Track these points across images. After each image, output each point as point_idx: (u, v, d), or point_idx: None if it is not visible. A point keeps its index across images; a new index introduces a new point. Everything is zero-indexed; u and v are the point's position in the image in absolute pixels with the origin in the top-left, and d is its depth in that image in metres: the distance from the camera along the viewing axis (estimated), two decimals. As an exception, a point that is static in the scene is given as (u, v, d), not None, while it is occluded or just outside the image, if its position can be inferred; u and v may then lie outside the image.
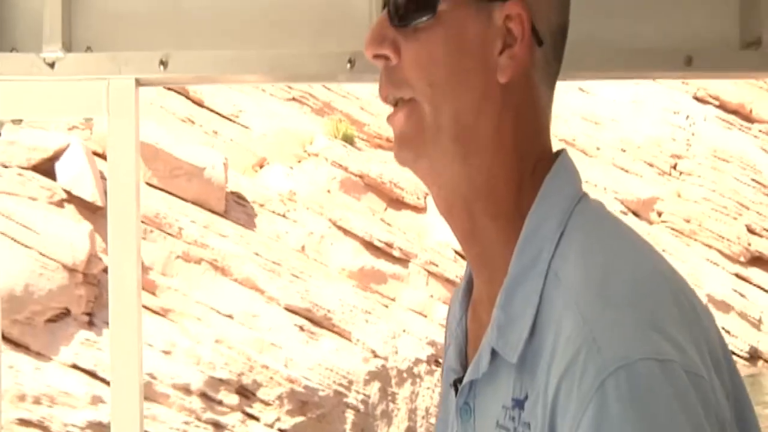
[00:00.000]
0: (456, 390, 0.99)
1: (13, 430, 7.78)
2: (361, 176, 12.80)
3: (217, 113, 13.23)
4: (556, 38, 0.98)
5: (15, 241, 8.71)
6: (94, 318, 9.02)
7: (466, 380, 0.97)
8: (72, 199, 9.72)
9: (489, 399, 0.94)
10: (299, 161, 13.15)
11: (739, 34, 1.62)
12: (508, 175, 0.95)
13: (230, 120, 13.31)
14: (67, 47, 1.50)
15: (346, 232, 11.70)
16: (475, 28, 0.94)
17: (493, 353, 0.92)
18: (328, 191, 12.42)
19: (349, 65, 1.51)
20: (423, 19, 0.94)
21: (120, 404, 1.47)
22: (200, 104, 13.18)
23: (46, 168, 10.04)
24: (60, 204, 9.65)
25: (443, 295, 11.40)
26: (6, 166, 9.66)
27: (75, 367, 8.33)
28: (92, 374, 8.49)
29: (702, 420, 0.78)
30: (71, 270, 8.80)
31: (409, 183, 12.56)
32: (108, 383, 8.05)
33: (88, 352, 8.65)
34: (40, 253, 8.68)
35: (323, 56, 1.53)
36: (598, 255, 0.88)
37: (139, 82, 1.52)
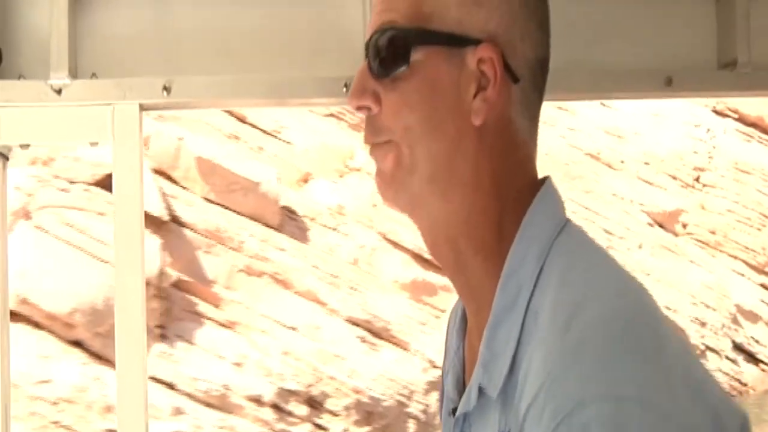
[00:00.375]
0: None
1: (101, 442, 7.87)
2: (403, 190, 12.97)
3: (260, 129, 13.39)
4: (535, 72, 1.00)
5: (92, 255, 8.82)
6: (166, 331, 9.13)
7: (458, 413, 0.99)
8: (137, 214, 9.84)
9: (482, 430, 0.96)
10: (341, 176, 13.32)
11: (716, 55, 1.69)
12: (488, 212, 0.97)
13: (273, 136, 13.47)
14: (73, 74, 1.54)
15: (395, 244, 11.86)
16: (448, 75, 0.96)
17: (480, 389, 0.95)
18: (374, 205, 12.57)
19: (344, 89, 1.55)
20: (399, 70, 0.97)
21: (126, 415, 1.52)
22: (243, 120, 13.33)
23: (108, 183, 10.16)
24: (126, 219, 9.76)
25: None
26: (73, 182, 9.78)
27: (154, 379, 8.43)
28: (170, 386, 8.60)
29: None
30: (146, 283, 8.91)
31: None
32: (188, 395, 8.14)
33: (164, 364, 8.75)
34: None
35: (320, 80, 1.58)
36: (570, 292, 0.89)
37: (143, 107, 1.55)
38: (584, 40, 1.65)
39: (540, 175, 1.02)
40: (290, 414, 9.24)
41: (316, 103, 1.65)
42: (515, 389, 0.89)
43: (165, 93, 1.53)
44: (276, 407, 9.16)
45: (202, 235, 10.19)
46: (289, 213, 11.66)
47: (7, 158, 1.60)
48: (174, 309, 9.23)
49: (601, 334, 0.83)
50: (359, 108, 1.00)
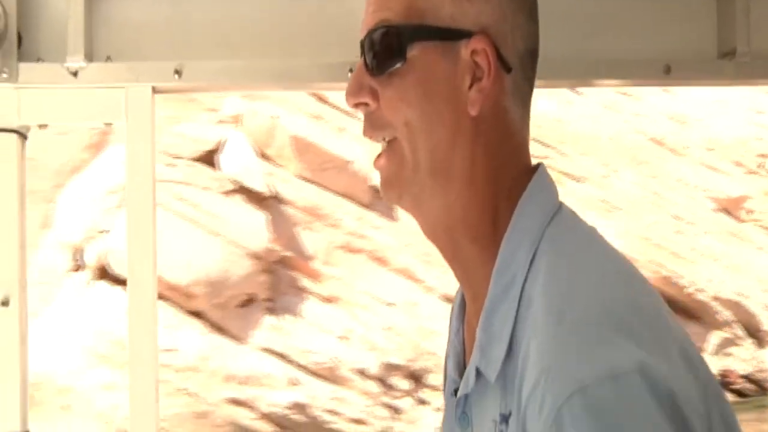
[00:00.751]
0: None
1: (223, 409, 8.05)
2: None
3: (340, 110, 13.51)
4: (525, 62, 1.03)
5: (204, 228, 8.99)
6: (274, 304, 9.30)
7: (459, 394, 1.03)
8: (240, 189, 10.01)
9: (482, 411, 1.00)
10: (418, 157, 13.44)
11: (716, 45, 1.70)
12: (484, 203, 1.00)
13: (353, 116, 13.59)
14: (89, 57, 1.58)
15: (480, 225, 11.98)
16: (444, 68, 1.00)
17: (478, 372, 0.98)
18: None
19: (350, 73, 1.60)
20: (395, 66, 1.00)
21: (137, 397, 1.56)
22: (324, 101, 13.46)
23: (208, 159, 10.34)
24: (229, 194, 9.94)
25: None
26: (178, 158, 9.95)
27: (268, 350, 8.61)
28: (284, 357, 8.77)
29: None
30: (255, 257, 9.09)
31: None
32: (300, 366, 8.30)
33: (276, 336, 8.93)
34: (229, 241, 8.97)
35: (325, 65, 1.63)
36: (561, 279, 0.93)
37: (155, 90, 1.60)
38: (585, 29, 1.68)
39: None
40: (393, 388, 9.40)
41: (323, 88, 1.71)
42: (514, 374, 0.92)
43: (176, 76, 1.59)
44: (381, 381, 9.32)
45: (302, 212, 10.34)
46: (377, 192, 11.79)
47: (25, 137, 1.64)
48: (280, 283, 9.39)
49: (591, 321, 0.86)
50: (357, 105, 1.03)
